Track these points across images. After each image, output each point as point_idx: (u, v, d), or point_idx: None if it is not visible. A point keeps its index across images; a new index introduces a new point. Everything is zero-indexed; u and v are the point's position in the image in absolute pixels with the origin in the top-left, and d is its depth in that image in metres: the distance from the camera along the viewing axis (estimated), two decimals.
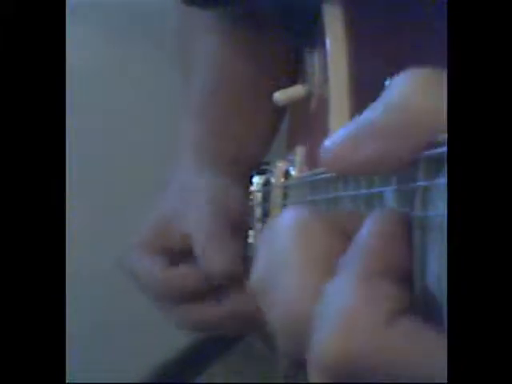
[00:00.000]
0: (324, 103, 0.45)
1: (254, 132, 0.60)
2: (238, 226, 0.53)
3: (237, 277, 0.49)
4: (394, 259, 0.23)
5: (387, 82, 0.24)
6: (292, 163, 0.51)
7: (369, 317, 0.21)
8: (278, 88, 0.51)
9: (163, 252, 0.52)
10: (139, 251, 0.53)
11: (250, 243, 0.56)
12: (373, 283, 0.22)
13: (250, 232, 0.56)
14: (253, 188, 0.57)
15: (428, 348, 0.21)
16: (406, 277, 0.23)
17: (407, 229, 0.23)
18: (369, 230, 0.24)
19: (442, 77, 0.22)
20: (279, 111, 0.59)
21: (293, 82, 0.55)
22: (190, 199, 0.54)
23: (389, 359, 0.21)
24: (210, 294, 0.50)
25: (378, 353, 0.21)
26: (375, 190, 0.27)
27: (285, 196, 0.51)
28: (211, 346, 1.35)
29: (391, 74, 0.24)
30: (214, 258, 0.49)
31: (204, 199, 0.53)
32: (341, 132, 0.25)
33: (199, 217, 0.52)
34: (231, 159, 0.58)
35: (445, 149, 0.20)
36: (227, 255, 0.49)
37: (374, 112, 0.24)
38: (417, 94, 0.22)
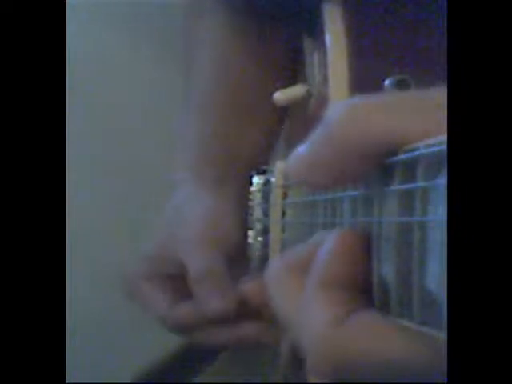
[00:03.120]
0: (324, 103, 0.45)
1: (254, 132, 0.60)
2: (236, 254, 0.53)
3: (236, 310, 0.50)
4: (343, 272, 0.27)
5: (387, 82, 0.24)
6: None
7: (320, 320, 0.26)
8: (278, 88, 0.51)
9: (165, 281, 0.53)
10: (142, 283, 0.53)
11: (250, 243, 0.56)
12: (325, 292, 0.26)
13: (250, 232, 0.56)
14: (253, 188, 0.57)
15: (389, 341, 0.24)
16: (356, 284, 0.26)
17: (359, 245, 0.27)
18: (323, 249, 0.27)
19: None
20: (280, 112, 0.59)
21: (293, 81, 0.55)
22: (185, 226, 0.54)
23: (350, 355, 0.24)
24: (214, 322, 0.51)
25: (336, 349, 0.25)
26: (375, 190, 0.27)
27: (284, 196, 0.51)
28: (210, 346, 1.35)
29: (391, 74, 0.25)
30: (207, 299, 0.50)
31: (200, 227, 0.53)
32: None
33: (194, 249, 0.52)
34: (231, 159, 0.58)
35: (445, 149, 0.20)
36: (221, 295, 0.50)
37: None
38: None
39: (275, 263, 0.30)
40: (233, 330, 0.51)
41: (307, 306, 0.27)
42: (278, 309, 0.29)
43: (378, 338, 0.24)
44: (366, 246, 0.27)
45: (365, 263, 0.26)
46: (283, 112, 0.59)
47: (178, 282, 0.53)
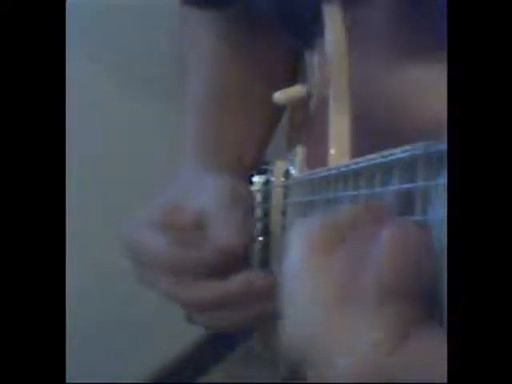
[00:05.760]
0: (324, 103, 0.45)
1: (253, 132, 0.60)
2: (246, 212, 0.53)
3: (245, 253, 0.48)
4: (408, 281, 0.22)
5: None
6: (292, 163, 0.51)
7: (380, 342, 0.21)
8: (278, 88, 0.51)
9: (171, 230, 0.52)
10: (147, 227, 0.51)
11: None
12: (385, 309, 0.22)
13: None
14: (253, 188, 0.57)
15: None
16: (421, 295, 0.22)
17: (424, 240, 0.22)
18: (381, 251, 0.22)
19: None
20: (277, 111, 0.59)
21: (292, 82, 0.55)
22: (202, 183, 0.53)
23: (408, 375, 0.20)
24: (217, 271, 0.49)
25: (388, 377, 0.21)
26: (375, 190, 0.27)
27: (285, 195, 0.51)
28: (212, 347, 1.35)
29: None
30: (225, 230, 0.49)
31: (216, 185, 0.52)
32: None
33: (212, 195, 0.51)
34: (232, 160, 0.58)
35: (445, 149, 0.20)
36: (238, 229, 0.49)
37: None
38: None
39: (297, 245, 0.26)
40: (230, 279, 0.49)
41: (351, 324, 0.22)
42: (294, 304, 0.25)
43: (441, 361, 0.20)
44: (424, 240, 0.22)
45: (425, 263, 0.22)
46: (280, 111, 0.59)
47: (182, 233, 0.52)
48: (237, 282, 0.49)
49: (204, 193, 0.52)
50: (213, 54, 0.60)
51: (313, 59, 0.50)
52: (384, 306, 0.22)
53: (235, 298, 0.49)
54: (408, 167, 0.24)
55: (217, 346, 1.35)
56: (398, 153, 0.25)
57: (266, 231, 0.55)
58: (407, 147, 0.24)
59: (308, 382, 0.24)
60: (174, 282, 0.50)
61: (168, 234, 0.50)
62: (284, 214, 0.51)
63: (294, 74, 0.58)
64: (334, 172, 0.33)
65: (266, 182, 0.56)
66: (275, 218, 0.52)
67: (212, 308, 0.51)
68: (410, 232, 0.22)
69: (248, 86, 0.60)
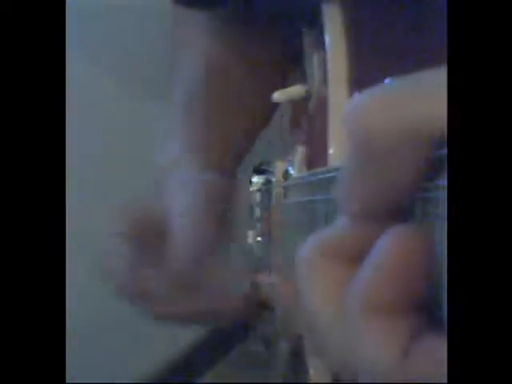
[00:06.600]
0: (324, 103, 0.45)
1: (242, 129, 0.59)
2: (221, 218, 0.52)
3: (210, 269, 0.48)
4: (408, 287, 0.21)
5: (387, 82, 0.24)
6: (292, 163, 0.51)
7: (384, 353, 0.20)
8: (266, 88, 0.51)
9: (137, 241, 0.51)
10: (111, 241, 0.52)
11: (249, 243, 0.56)
12: (382, 317, 0.21)
13: (250, 232, 0.56)
14: (252, 188, 0.57)
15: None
16: (421, 304, 0.21)
17: (425, 248, 0.21)
18: (377, 254, 0.21)
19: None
20: (266, 111, 0.58)
21: (288, 81, 0.55)
22: (181, 182, 0.53)
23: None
24: (182, 291, 0.49)
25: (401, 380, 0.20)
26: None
27: (285, 195, 0.51)
28: (211, 348, 1.35)
29: (391, 74, 0.24)
30: (190, 241, 0.48)
31: (189, 187, 0.52)
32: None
33: (182, 200, 0.51)
34: (218, 154, 0.57)
35: (445, 151, 0.20)
36: (204, 239, 0.48)
37: None
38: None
39: (307, 247, 0.25)
40: (199, 297, 0.49)
41: (362, 334, 0.21)
42: (307, 300, 0.24)
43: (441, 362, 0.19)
44: (427, 248, 0.21)
45: (429, 272, 0.21)
46: (270, 110, 0.59)
47: (148, 242, 0.51)
48: (206, 302, 0.49)
49: (180, 192, 0.52)
50: (204, 54, 0.60)
51: (313, 59, 0.50)
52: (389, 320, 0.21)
53: (199, 316, 0.49)
54: None
55: (215, 346, 1.35)
56: None
57: (265, 231, 0.55)
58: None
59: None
60: (144, 300, 0.50)
61: (131, 255, 0.51)
62: (284, 214, 0.51)
63: (288, 75, 0.58)
64: (333, 172, 0.33)
65: (266, 182, 0.56)
66: (275, 218, 0.52)
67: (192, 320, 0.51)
68: (411, 238, 0.21)
69: (237, 86, 0.60)
